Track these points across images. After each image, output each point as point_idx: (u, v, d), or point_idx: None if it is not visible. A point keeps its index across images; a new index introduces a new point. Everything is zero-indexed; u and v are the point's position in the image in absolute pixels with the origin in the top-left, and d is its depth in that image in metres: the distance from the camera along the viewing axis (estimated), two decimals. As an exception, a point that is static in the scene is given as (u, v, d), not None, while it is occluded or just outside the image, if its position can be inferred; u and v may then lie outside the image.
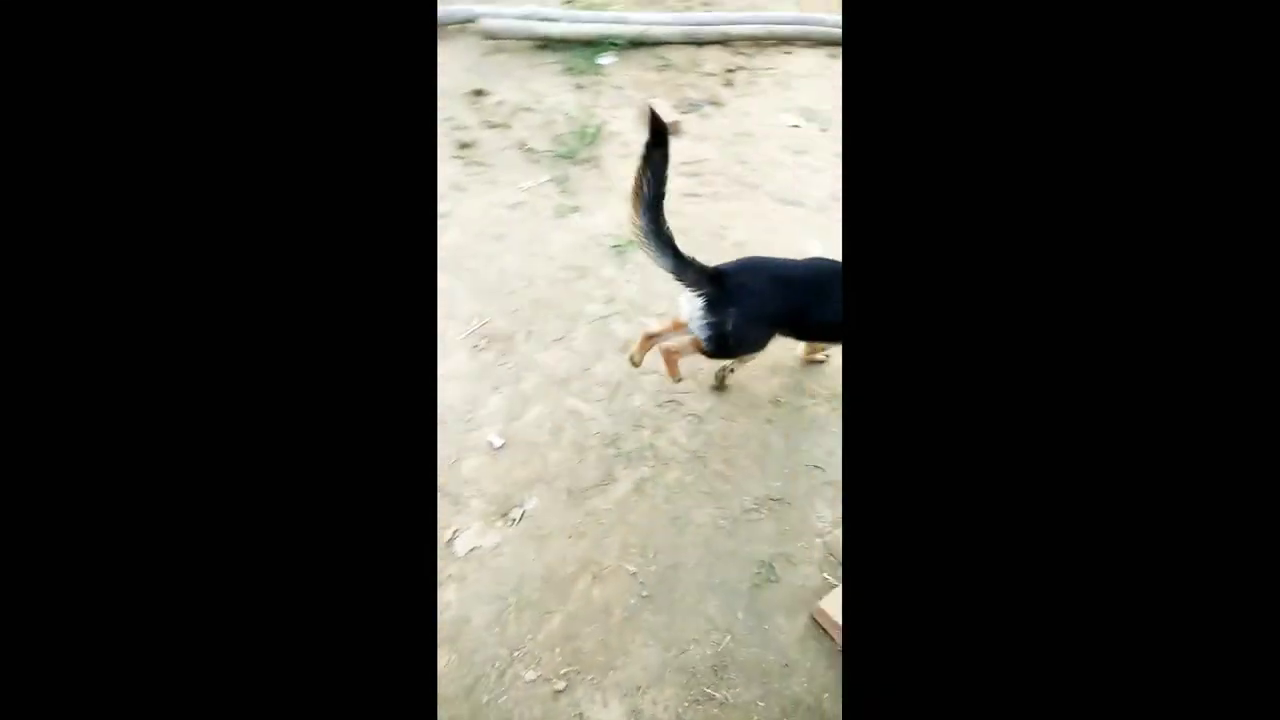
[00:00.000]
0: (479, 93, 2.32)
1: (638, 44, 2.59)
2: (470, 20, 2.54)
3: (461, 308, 1.55)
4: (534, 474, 1.25)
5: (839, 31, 2.80)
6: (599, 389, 1.40)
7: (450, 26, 2.60)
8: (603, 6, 2.82)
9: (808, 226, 1.84)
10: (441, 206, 1.79)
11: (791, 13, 2.82)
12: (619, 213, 1.83)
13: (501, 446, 1.29)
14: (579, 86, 2.40)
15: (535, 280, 1.63)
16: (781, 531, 1.18)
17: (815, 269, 1.25)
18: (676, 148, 2.07)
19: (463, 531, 1.17)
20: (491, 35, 2.51)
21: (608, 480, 1.24)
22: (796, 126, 2.30)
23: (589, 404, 1.37)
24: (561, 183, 1.95)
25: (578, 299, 1.59)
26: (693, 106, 2.36)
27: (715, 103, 2.41)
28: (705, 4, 3.00)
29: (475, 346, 1.48)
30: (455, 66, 2.44)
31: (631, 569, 1.13)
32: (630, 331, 1.51)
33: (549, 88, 2.38)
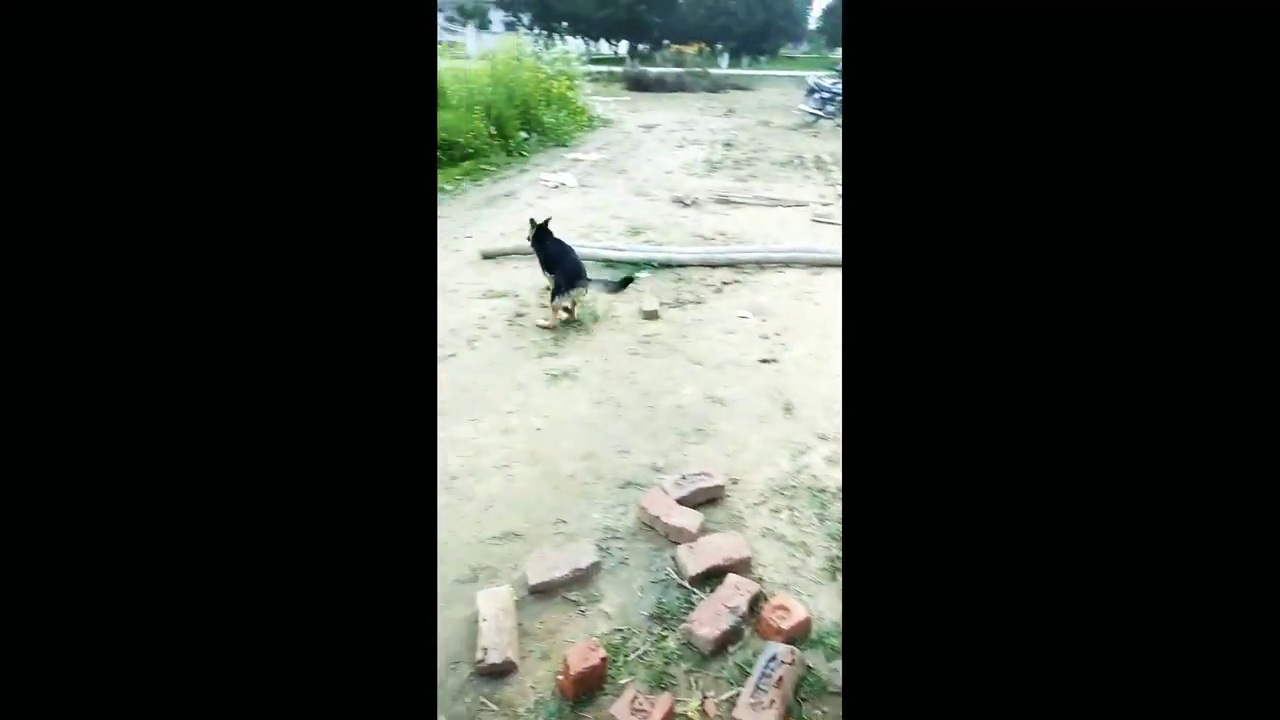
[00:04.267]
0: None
1: (666, 265, 3.76)
2: (567, 250, 4.02)
3: (440, 394, 2.63)
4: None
5: (825, 255, 3.64)
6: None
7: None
8: (656, 242, 4.12)
9: (712, 377, 2.60)
10: (477, 344, 2.99)
11: (789, 244, 3.77)
12: (589, 359, 2.83)
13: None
14: (615, 289, 3.60)
15: (490, 387, 2.65)
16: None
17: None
18: (651, 329, 3.01)
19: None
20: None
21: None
22: (744, 317, 3.12)
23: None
24: (557, 340, 3.04)
25: (501, 399, 2.55)
26: (679, 303, 3.36)
27: (698, 301, 3.37)
28: (740, 240, 4.13)
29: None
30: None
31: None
32: (520, 423, 2.40)
33: (594, 292, 3.63)
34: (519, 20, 25.79)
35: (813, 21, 36.25)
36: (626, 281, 3.25)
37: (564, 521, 1.83)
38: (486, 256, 3.97)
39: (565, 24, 24.77)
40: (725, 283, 3.57)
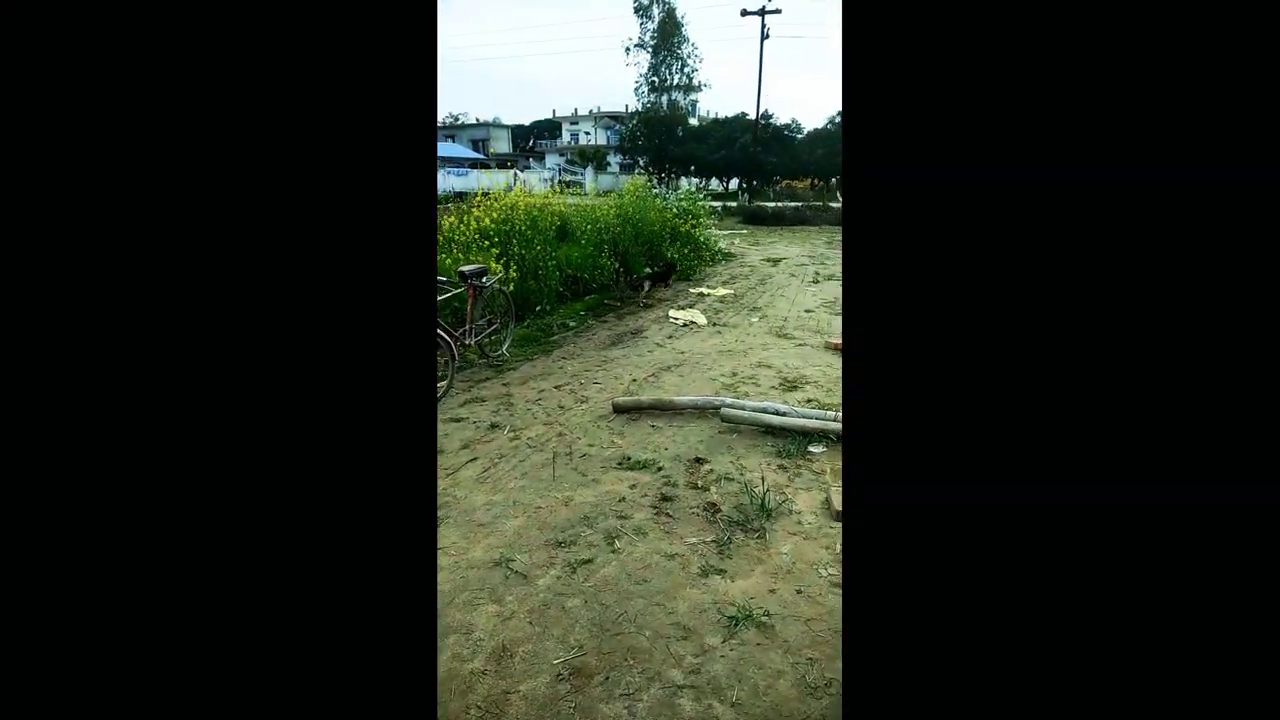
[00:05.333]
0: (699, 460, 2.94)
1: (848, 437, 2.95)
2: (717, 408, 3.34)
3: (571, 634, 1.88)
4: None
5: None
6: (646, 749, 1.47)
7: (708, 411, 3.45)
8: (828, 406, 3.35)
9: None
10: (618, 544, 2.27)
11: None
12: (758, 583, 2.01)
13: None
14: (782, 467, 2.82)
15: (643, 630, 1.87)
16: None
17: None
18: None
19: None
20: (728, 420, 3.22)
21: None
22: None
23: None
24: (722, 546, 2.26)
25: (664, 660, 1.75)
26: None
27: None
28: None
29: (558, 675, 1.74)
30: (693, 439, 3.17)
31: None
32: (695, 711, 1.57)
33: (756, 464, 2.86)
34: (636, 163, 28.02)
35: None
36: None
37: None
38: (619, 410, 3.37)
39: (680, 166, 26.54)
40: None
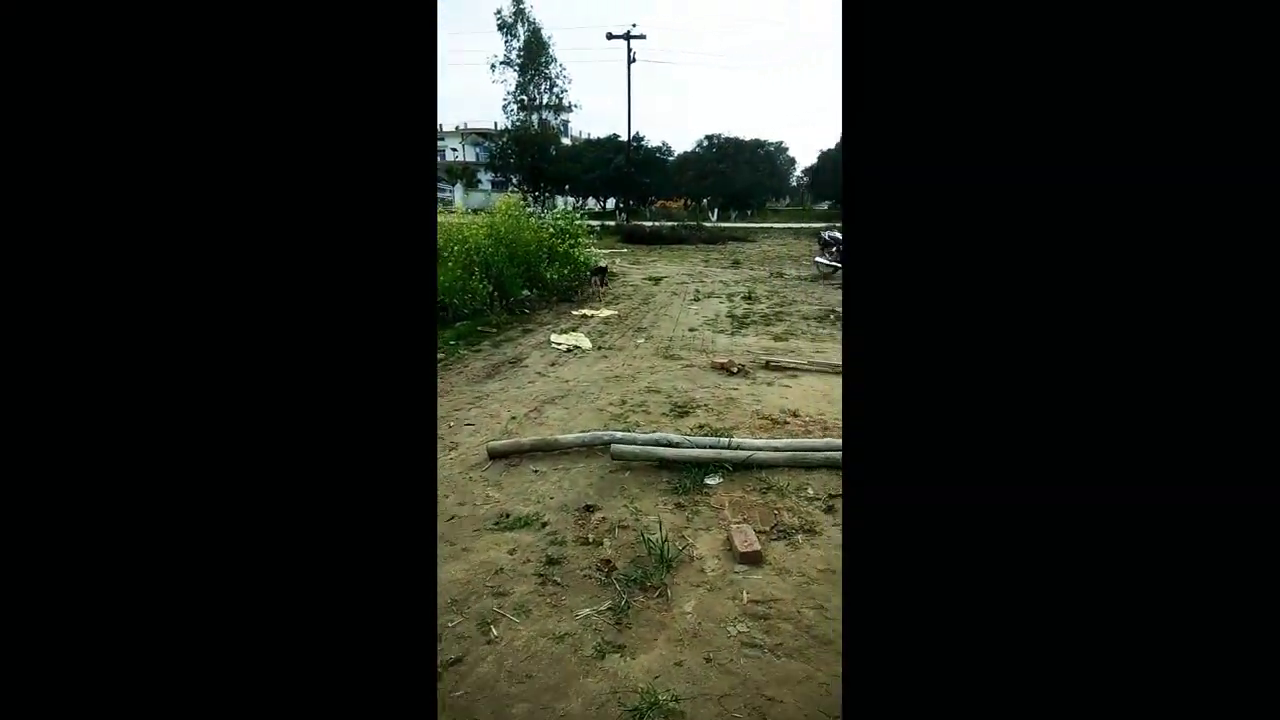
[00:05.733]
0: (589, 508, 2.62)
1: (745, 466, 2.79)
2: (606, 444, 3.05)
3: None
4: None
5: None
6: None
7: (596, 448, 3.14)
8: (719, 431, 3.19)
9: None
10: (495, 631, 1.89)
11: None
12: (663, 656, 1.73)
13: None
14: (679, 505, 2.58)
15: (538, 739, 1.52)
16: None
17: None
18: (758, 583, 2.00)
19: None
20: (619, 458, 2.94)
21: None
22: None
23: None
24: (619, 613, 1.95)
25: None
26: (782, 533, 2.33)
27: (809, 529, 2.34)
28: (822, 422, 3.22)
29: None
30: (582, 482, 2.84)
31: None
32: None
33: (651, 505, 2.59)
34: (509, 180, 27.37)
35: (793, 179, 39.34)
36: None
37: None
38: (496, 455, 2.97)
39: (553, 185, 26.31)
40: (835, 495, 2.58)
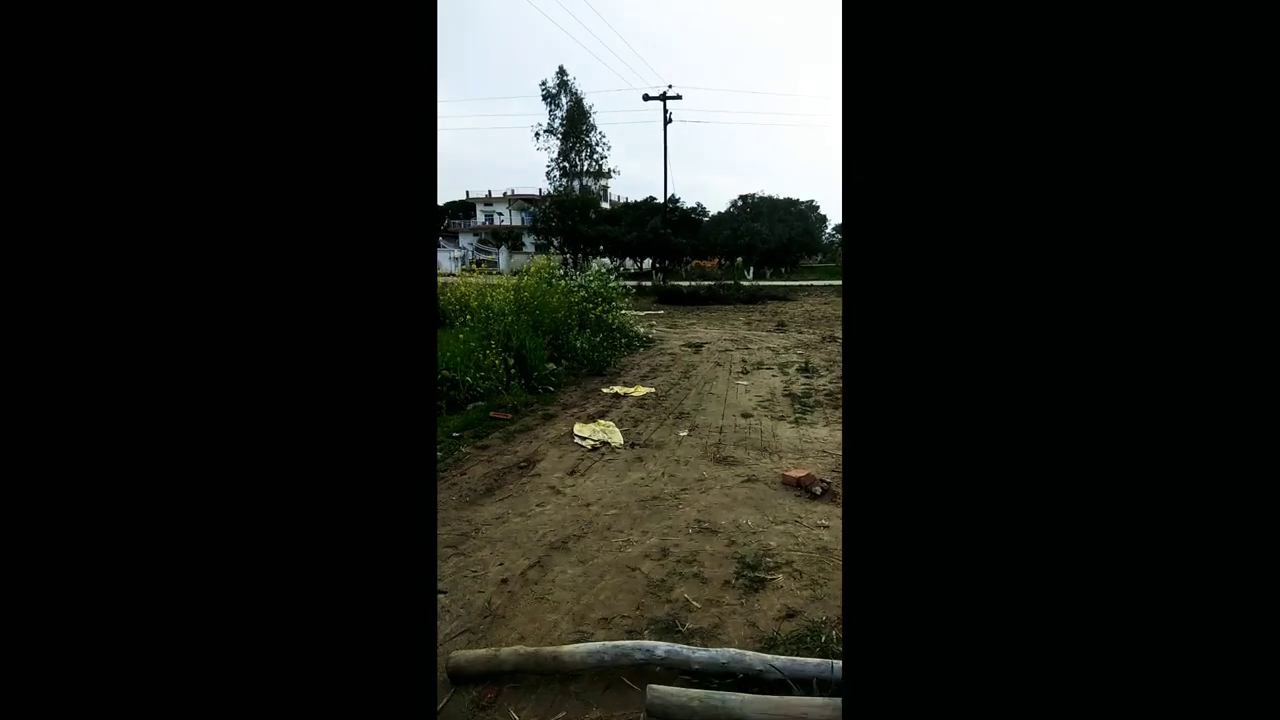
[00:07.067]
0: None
1: None
2: (639, 665, 1.87)
3: None
4: None
5: None
6: None
7: (618, 669, 1.97)
8: (820, 631, 1.96)
9: None
10: None
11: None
12: None
13: None
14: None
15: None
16: None
17: None
18: None
19: None
20: (660, 715, 1.76)
21: None
22: None
23: None
24: None
25: None
26: None
27: None
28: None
29: None
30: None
31: None
32: None
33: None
34: (550, 243, 27.29)
35: (824, 236, 38.75)
36: None
37: None
38: (460, 678, 1.82)
39: (593, 247, 26.03)
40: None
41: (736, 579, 2.37)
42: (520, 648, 1.84)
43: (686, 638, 1.99)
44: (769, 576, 2.38)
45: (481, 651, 1.85)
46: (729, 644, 1.95)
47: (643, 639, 1.99)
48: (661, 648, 1.81)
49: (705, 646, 1.85)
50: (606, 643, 1.85)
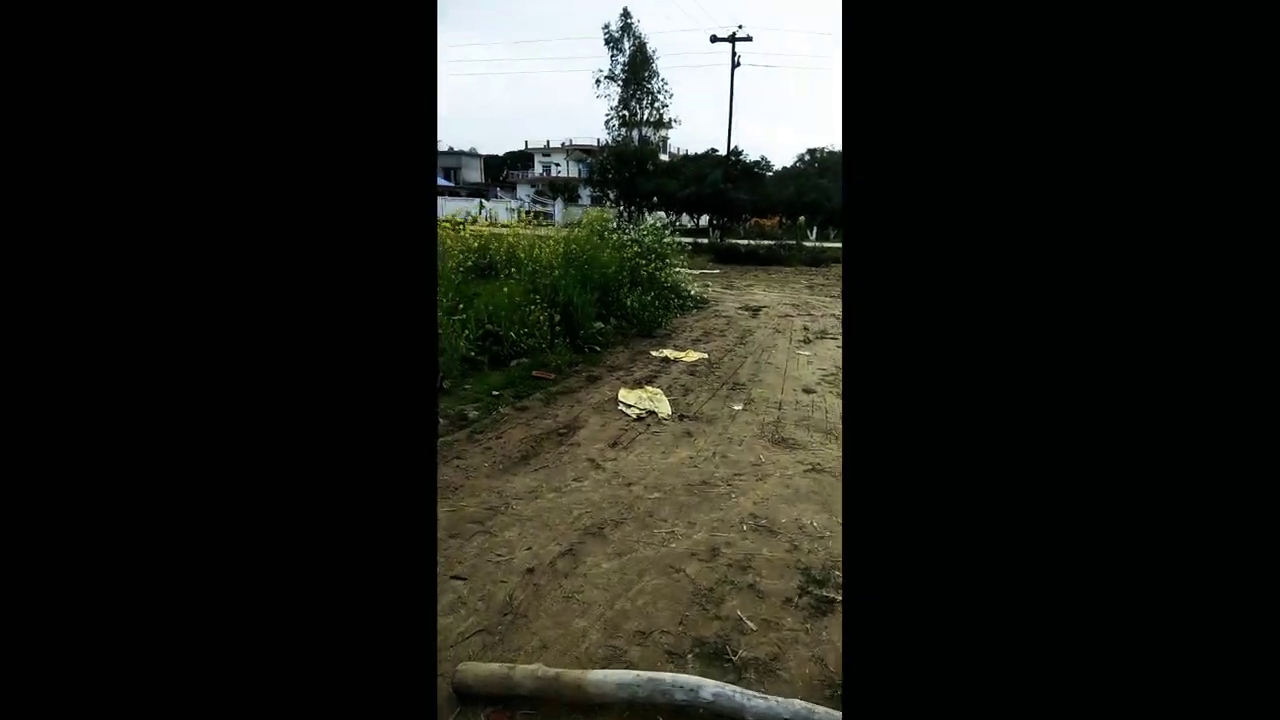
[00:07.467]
0: None
1: None
2: (674, 701, 1.54)
3: None
4: None
5: None
6: None
7: (652, 706, 1.66)
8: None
9: None
10: None
11: None
12: None
13: None
14: None
15: None
16: None
17: None
18: None
19: None
20: (704, 740, 1.42)
21: None
22: None
23: None
24: None
25: None
26: None
27: None
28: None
29: None
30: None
31: None
32: None
33: None
34: (606, 195, 26.67)
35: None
36: None
37: None
38: (467, 695, 1.54)
39: (649, 201, 25.27)
40: None
41: (800, 596, 2.00)
42: (539, 668, 1.54)
43: (739, 670, 1.64)
44: (840, 597, 2.00)
45: (493, 667, 1.56)
46: (791, 682, 1.60)
47: (685, 663, 1.67)
48: (709, 688, 1.47)
49: (763, 691, 1.50)
50: (641, 673, 1.52)
